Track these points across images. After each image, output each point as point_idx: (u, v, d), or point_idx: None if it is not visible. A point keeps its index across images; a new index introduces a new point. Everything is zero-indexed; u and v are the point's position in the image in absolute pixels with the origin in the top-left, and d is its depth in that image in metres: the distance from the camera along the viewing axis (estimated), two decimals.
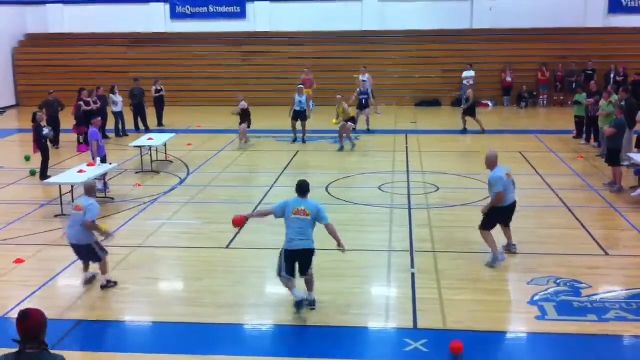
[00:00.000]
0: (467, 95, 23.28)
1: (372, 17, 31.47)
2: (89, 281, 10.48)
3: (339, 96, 21.21)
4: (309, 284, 9.71)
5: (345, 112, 20.79)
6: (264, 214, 10.12)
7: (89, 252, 10.29)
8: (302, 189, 9.67)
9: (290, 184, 16.81)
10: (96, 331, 9.23)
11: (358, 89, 23.96)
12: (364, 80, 25.42)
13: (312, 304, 9.62)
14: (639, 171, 15.57)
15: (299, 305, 9.36)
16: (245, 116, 21.61)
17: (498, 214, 11.18)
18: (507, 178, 11.20)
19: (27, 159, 18.95)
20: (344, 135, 20.76)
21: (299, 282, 9.60)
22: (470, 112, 23.19)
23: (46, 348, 4.97)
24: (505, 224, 11.51)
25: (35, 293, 10.23)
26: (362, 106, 23.62)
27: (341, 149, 20.72)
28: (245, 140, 21.64)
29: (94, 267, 10.53)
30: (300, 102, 22.00)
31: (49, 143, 17.82)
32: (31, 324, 4.95)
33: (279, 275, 9.52)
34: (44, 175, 17.08)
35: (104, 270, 10.38)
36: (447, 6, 31.26)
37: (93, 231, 10.28)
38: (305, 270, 9.56)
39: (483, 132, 22.83)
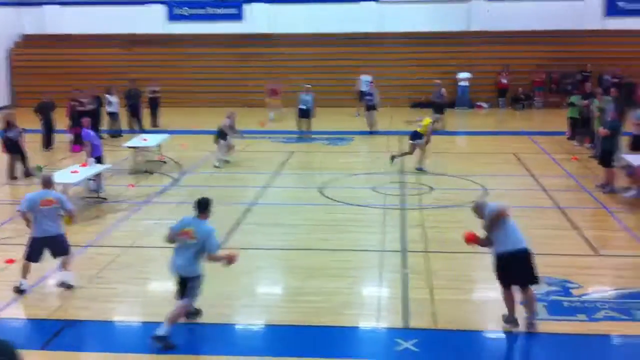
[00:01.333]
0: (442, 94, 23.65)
1: (370, 19, 31.53)
2: (64, 283, 10.37)
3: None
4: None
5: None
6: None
7: (63, 243, 10.30)
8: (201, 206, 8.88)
9: (284, 184, 16.90)
10: (86, 331, 9.21)
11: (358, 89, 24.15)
12: (371, 82, 25.65)
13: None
14: (631, 172, 15.57)
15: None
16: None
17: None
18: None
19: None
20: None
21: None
22: (438, 109, 23.52)
23: None
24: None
25: (26, 293, 10.21)
26: (369, 107, 23.75)
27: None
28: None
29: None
30: (306, 101, 22.50)
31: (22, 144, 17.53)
32: None
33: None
34: (11, 174, 17.39)
35: (68, 264, 10.41)
36: (445, 8, 31.32)
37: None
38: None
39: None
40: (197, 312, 9.24)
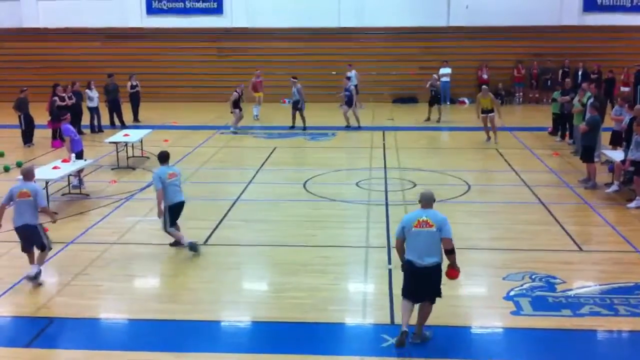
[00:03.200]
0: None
1: (349, 14, 31.45)
2: (34, 277, 10.25)
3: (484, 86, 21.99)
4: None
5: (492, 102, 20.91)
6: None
7: (35, 234, 10.26)
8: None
9: (267, 180, 16.87)
10: (70, 328, 9.14)
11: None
12: (348, 77, 25.70)
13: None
14: (612, 167, 15.74)
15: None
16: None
17: None
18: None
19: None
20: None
21: None
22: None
23: None
24: None
25: (9, 290, 10.12)
26: (348, 103, 23.86)
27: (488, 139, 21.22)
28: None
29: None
30: (294, 92, 23.34)
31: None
32: None
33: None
34: None
35: (41, 261, 10.40)
36: (424, 3, 31.34)
37: (46, 215, 10.48)
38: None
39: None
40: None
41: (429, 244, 8.25)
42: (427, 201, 8.56)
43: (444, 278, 8.44)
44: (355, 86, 25.84)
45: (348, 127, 23.66)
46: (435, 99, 25.03)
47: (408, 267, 8.35)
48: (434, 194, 8.71)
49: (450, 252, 8.34)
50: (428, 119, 24.98)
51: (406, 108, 29.23)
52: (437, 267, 8.31)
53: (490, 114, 20.83)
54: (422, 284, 8.33)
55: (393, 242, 11.91)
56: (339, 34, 31.28)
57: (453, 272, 8.50)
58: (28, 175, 10.58)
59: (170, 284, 10.50)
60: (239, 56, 31.31)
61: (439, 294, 8.45)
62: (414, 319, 8.49)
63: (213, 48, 31.67)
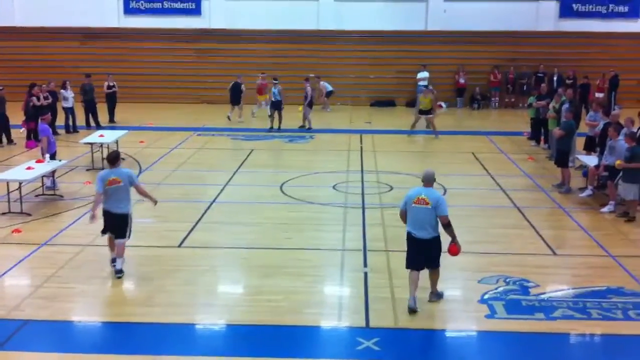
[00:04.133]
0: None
1: (328, 17, 31.51)
2: None
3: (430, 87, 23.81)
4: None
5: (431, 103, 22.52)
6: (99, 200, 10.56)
7: None
8: (111, 159, 10.63)
9: (244, 182, 16.84)
10: (44, 331, 9.04)
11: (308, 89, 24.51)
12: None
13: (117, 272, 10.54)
14: (586, 172, 15.91)
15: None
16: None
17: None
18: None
19: None
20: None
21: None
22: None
23: None
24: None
25: None
26: (310, 104, 24.43)
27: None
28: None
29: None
30: (275, 93, 23.55)
31: None
32: None
33: None
34: None
35: None
36: (402, 7, 31.48)
37: None
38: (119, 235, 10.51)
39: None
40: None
41: (425, 219, 9.29)
42: (428, 180, 9.50)
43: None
44: (330, 91, 26.43)
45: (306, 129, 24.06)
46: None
47: (408, 237, 9.52)
48: (435, 173, 9.60)
49: (447, 226, 9.29)
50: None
51: (384, 111, 29.34)
52: (435, 240, 9.42)
53: (428, 115, 22.34)
54: (421, 253, 9.43)
55: (369, 245, 12.06)
56: (318, 37, 31.32)
57: (453, 248, 9.42)
58: None
59: (145, 287, 10.42)
60: (217, 57, 31.23)
61: (436, 263, 9.56)
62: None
63: (191, 49, 31.55)
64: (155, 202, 11.00)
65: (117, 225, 10.51)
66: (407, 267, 9.61)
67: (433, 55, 30.74)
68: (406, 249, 9.64)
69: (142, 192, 10.87)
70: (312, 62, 30.14)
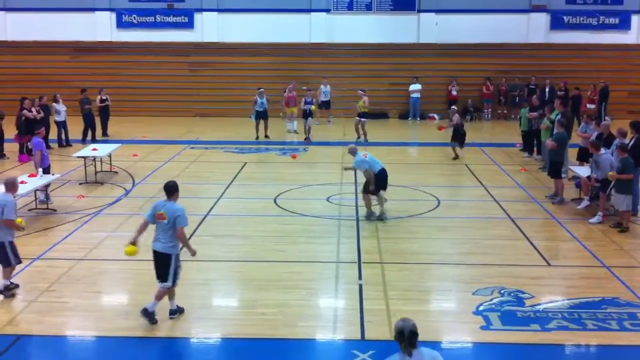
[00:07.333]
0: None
1: (320, 30, 31.60)
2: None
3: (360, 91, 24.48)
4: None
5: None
6: (143, 227, 9.71)
7: (2, 251, 10.11)
8: (167, 190, 9.63)
9: (238, 195, 16.81)
10: (37, 346, 9.00)
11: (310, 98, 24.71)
12: (324, 92, 27.42)
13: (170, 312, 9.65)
14: (579, 183, 15.96)
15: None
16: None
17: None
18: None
19: None
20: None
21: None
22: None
23: None
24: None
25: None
26: (305, 115, 24.44)
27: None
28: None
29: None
30: (261, 103, 23.99)
31: None
32: None
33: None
34: None
35: (7, 276, 10.26)
36: (394, 20, 31.61)
37: (12, 229, 10.21)
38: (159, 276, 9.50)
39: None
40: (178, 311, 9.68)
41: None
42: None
43: None
44: (324, 101, 26.65)
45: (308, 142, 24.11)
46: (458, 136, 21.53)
47: None
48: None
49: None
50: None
51: (377, 124, 29.34)
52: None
53: (362, 119, 23.81)
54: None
55: (364, 257, 12.04)
56: (310, 50, 31.40)
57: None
58: (8, 186, 10.40)
59: (138, 301, 10.33)
60: (209, 70, 31.28)
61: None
62: None
63: (183, 62, 31.57)
64: (193, 254, 9.68)
65: (156, 265, 9.53)
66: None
67: (425, 67, 30.88)
68: None
69: (180, 238, 9.44)
70: (305, 75, 30.19)
